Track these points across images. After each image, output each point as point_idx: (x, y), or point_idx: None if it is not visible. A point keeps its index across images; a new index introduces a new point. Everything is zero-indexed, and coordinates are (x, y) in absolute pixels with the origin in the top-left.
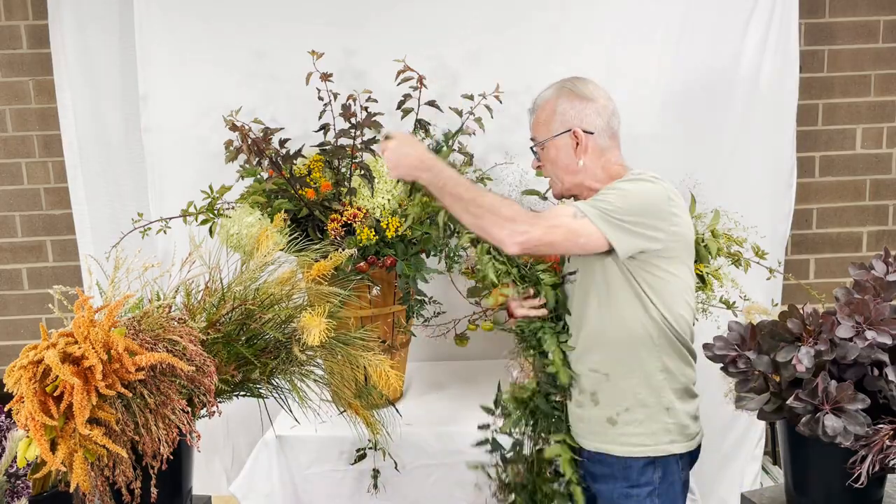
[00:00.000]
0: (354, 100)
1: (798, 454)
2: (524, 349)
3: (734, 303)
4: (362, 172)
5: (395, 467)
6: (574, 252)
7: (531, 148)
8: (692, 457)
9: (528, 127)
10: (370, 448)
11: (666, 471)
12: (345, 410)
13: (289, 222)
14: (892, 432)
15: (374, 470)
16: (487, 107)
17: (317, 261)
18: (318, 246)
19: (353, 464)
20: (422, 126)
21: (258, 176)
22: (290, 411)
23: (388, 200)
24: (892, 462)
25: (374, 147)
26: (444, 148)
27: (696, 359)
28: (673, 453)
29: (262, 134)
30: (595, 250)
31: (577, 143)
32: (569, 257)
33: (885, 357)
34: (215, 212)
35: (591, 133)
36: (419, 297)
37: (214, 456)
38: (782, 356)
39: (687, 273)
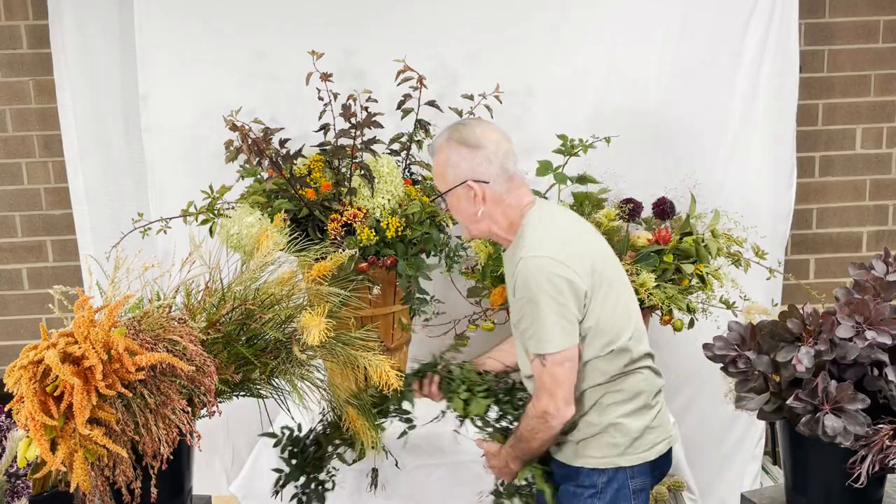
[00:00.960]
0: (354, 100)
1: (798, 454)
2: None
3: (734, 303)
4: (362, 172)
5: (396, 464)
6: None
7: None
8: (655, 464)
9: (527, 125)
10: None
11: (612, 478)
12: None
13: (289, 222)
14: (891, 432)
15: (372, 469)
16: (487, 107)
17: (317, 260)
18: (318, 246)
19: (350, 464)
20: (422, 126)
21: (258, 176)
22: (289, 412)
23: (388, 200)
24: (891, 462)
25: (373, 147)
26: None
27: (655, 369)
28: (621, 466)
29: (262, 134)
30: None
31: (475, 194)
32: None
33: (885, 357)
34: (215, 212)
35: (486, 182)
36: (421, 296)
37: (214, 456)
38: (782, 356)
39: (613, 298)
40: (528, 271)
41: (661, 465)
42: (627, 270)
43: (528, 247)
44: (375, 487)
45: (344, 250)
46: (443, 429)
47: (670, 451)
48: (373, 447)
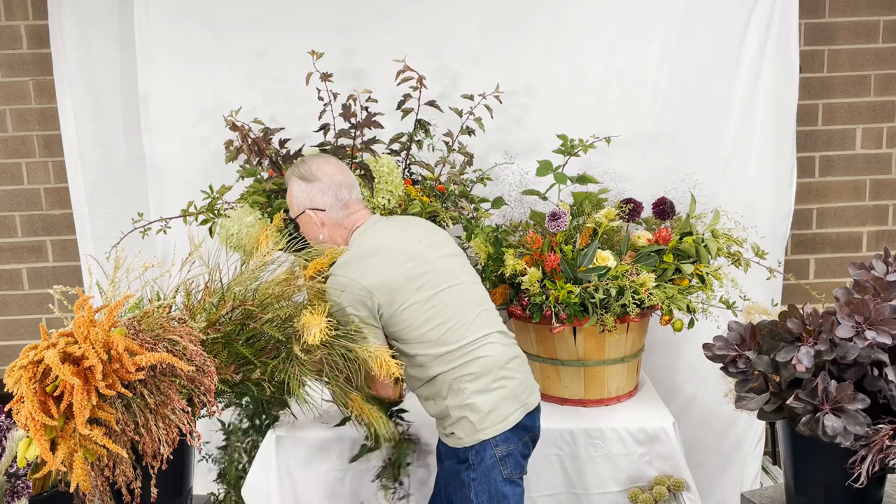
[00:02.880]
0: (354, 100)
1: (798, 454)
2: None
3: (734, 303)
4: (362, 172)
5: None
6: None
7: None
8: (517, 430)
9: (527, 125)
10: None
11: (479, 451)
12: (350, 415)
13: (288, 222)
14: (891, 432)
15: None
16: (487, 107)
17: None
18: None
19: (352, 461)
20: (422, 126)
21: (258, 176)
22: (290, 411)
23: (388, 200)
24: (891, 462)
25: (373, 147)
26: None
27: (502, 343)
28: (482, 439)
29: (262, 134)
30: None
31: (314, 220)
32: None
33: (884, 357)
34: (215, 212)
35: (323, 210)
36: None
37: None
38: (782, 356)
39: (414, 307)
40: (330, 287)
41: (525, 429)
42: (627, 271)
43: (336, 265)
44: (400, 484)
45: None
46: None
47: (532, 414)
48: (387, 438)
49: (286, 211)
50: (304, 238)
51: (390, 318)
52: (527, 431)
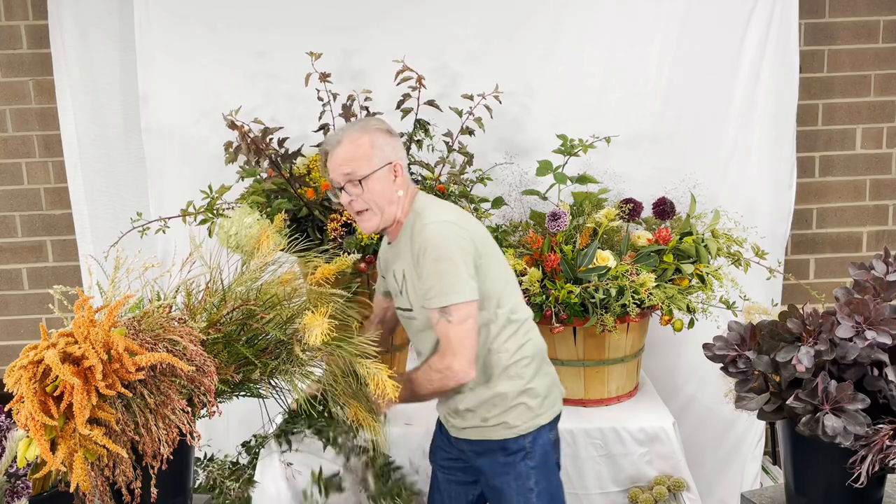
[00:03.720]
0: (354, 100)
1: (798, 454)
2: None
3: (734, 303)
4: None
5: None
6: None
7: (339, 187)
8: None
9: (527, 125)
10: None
11: (536, 437)
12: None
13: (288, 222)
14: (892, 432)
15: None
16: (487, 107)
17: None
18: (318, 246)
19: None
20: (421, 126)
21: (258, 176)
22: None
23: None
24: (892, 462)
25: None
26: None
27: (532, 321)
28: (541, 425)
29: (261, 133)
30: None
31: (396, 176)
32: (401, 292)
33: (884, 357)
34: (214, 212)
35: (402, 165)
36: None
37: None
38: (782, 356)
39: (495, 268)
40: (435, 234)
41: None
42: (627, 271)
43: (431, 216)
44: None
45: (344, 250)
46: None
47: None
48: (375, 437)
49: (322, 191)
50: (305, 239)
51: (479, 270)
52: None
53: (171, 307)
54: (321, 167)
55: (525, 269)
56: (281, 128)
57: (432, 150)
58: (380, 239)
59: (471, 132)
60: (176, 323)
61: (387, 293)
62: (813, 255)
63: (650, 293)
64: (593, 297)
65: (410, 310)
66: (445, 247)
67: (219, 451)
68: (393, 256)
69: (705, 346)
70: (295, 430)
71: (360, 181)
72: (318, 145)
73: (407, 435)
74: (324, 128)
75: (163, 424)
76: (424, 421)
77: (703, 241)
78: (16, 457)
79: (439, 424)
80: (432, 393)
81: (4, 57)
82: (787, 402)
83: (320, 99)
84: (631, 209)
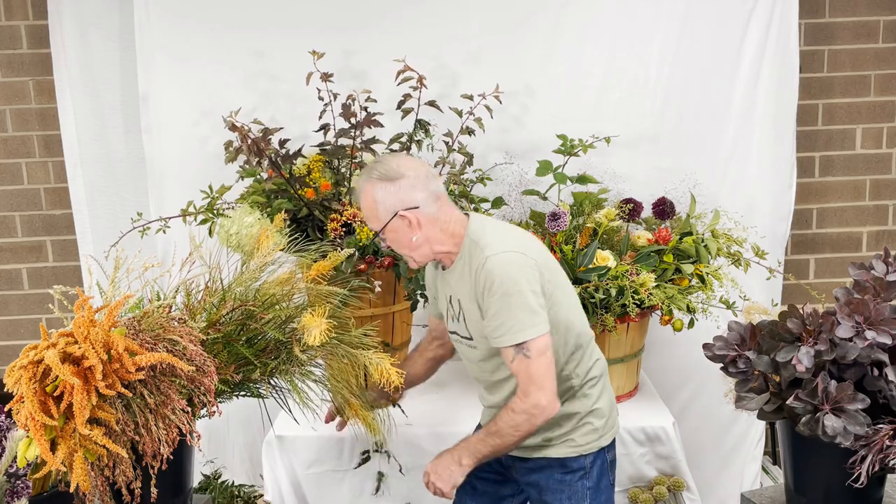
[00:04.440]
0: (354, 100)
1: (798, 454)
2: None
3: (734, 303)
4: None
5: (400, 470)
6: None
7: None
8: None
9: (527, 125)
10: (376, 451)
11: (596, 457)
12: (346, 416)
13: (288, 222)
14: (891, 432)
15: (378, 473)
16: (487, 107)
17: (316, 260)
18: (316, 246)
19: (356, 467)
20: (422, 126)
21: (258, 176)
22: (290, 412)
23: None
24: (891, 462)
25: (373, 147)
26: None
27: (592, 342)
28: (603, 445)
29: (261, 134)
30: None
31: (409, 222)
32: (458, 319)
33: (884, 357)
34: (215, 212)
35: (416, 207)
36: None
37: (214, 455)
38: (782, 356)
39: (562, 291)
40: (499, 267)
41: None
42: (627, 271)
43: (491, 247)
44: (378, 491)
45: (343, 250)
46: (443, 429)
47: None
48: (376, 437)
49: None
50: (305, 239)
51: (547, 298)
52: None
53: (170, 307)
54: None
55: None
56: (281, 128)
57: (432, 150)
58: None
59: (471, 132)
60: (176, 323)
61: (439, 314)
62: (813, 255)
63: (650, 293)
64: (593, 297)
65: (470, 339)
66: (512, 281)
67: (223, 466)
68: (443, 283)
69: (705, 346)
70: None
71: (377, 234)
72: (318, 145)
73: (407, 435)
74: (324, 128)
75: (163, 424)
76: (425, 421)
77: (703, 241)
78: (16, 457)
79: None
80: (521, 438)
81: (4, 57)
82: (787, 402)
83: (321, 98)
84: (631, 209)
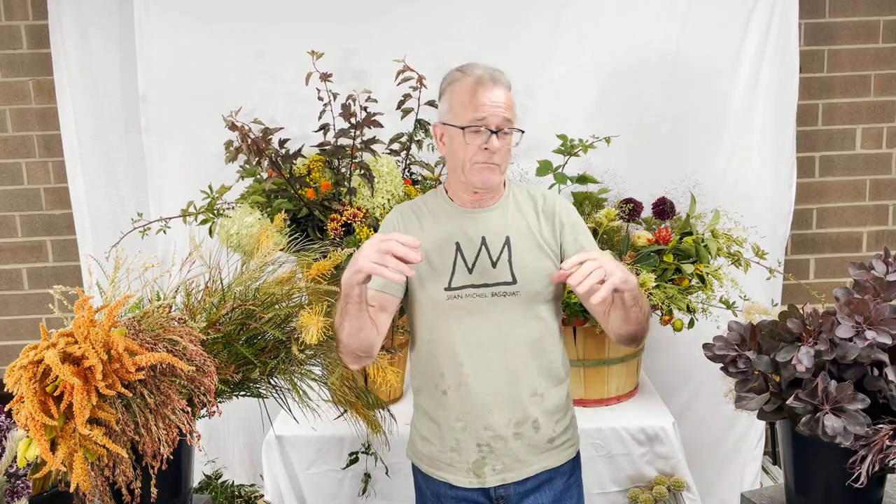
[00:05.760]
0: (354, 100)
1: (798, 454)
2: None
3: (734, 303)
4: (362, 172)
5: (386, 472)
6: None
7: (502, 129)
8: None
9: (527, 125)
10: (363, 452)
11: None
12: (345, 411)
13: (289, 222)
14: (892, 432)
15: (364, 474)
16: None
17: (316, 260)
18: (317, 245)
19: (344, 468)
20: (422, 126)
21: (258, 176)
22: (290, 411)
23: (388, 200)
24: (892, 462)
25: (373, 147)
26: None
27: None
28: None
29: (261, 134)
30: None
31: (516, 141)
32: (495, 260)
33: (885, 357)
34: (215, 212)
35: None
36: None
37: (215, 455)
38: (782, 356)
39: None
40: (564, 201)
41: None
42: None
43: (536, 186)
44: (365, 493)
45: (343, 250)
46: None
47: None
48: (374, 433)
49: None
50: (305, 239)
51: None
52: None
53: (170, 307)
54: (470, 87)
55: None
56: (281, 128)
57: (433, 150)
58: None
59: None
60: (176, 323)
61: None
62: (813, 255)
63: (650, 293)
64: None
65: (512, 282)
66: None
67: (223, 467)
68: (467, 225)
69: (705, 346)
70: None
71: (509, 133)
72: (318, 145)
73: (408, 435)
74: (324, 128)
75: (163, 424)
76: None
77: (703, 241)
78: (16, 457)
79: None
80: (644, 314)
81: (4, 57)
82: (787, 402)
83: (321, 98)
84: (631, 209)
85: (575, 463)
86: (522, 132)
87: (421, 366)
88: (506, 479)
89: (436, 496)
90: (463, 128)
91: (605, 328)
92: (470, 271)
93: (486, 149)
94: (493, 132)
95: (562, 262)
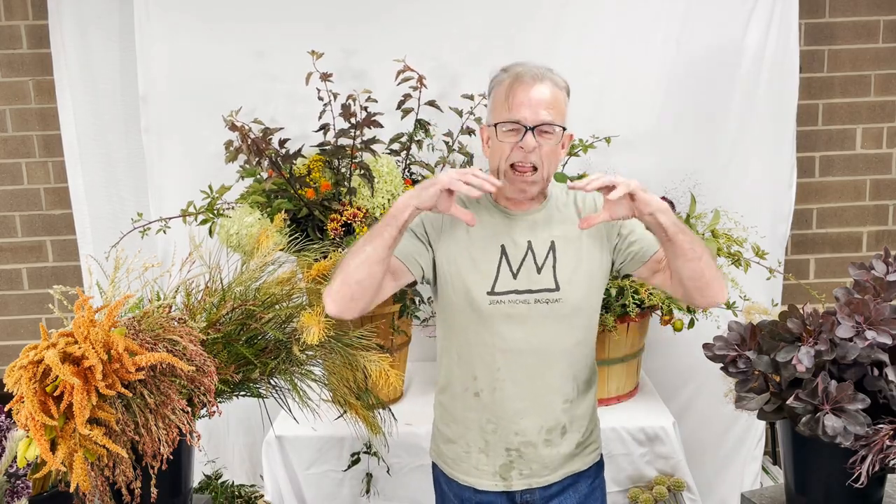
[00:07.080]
0: (354, 100)
1: (798, 454)
2: None
3: (734, 303)
4: (362, 172)
5: (388, 471)
6: None
7: (538, 127)
8: None
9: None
10: (364, 452)
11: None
12: (344, 412)
13: (289, 222)
14: (892, 432)
15: (367, 474)
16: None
17: (317, 260)
18: (317, 246)
19: (345, 470)
20: (422, 126)
21: (258, 176)
22: (290, 411)
23: (388, 200)
24: (892, 462)
25: (373, 147)
26: None
27: None
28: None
29: (261, 134)
30: None
31: (563, 144)
32: (540, 266)
33: (885, 357)
34: (215, 212)
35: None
36: (414, 297)
37: (215, 455)
38: (782, 356)
39: None
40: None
41: None
42: None
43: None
44: (368, 493)
45: (343, 250)
46: None
47: None
48: (375, 435)
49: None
50: (305, 239)
51: None
52: None
53: (170, 307)
54: (506, 89)
55: None
56: (281, 128)
57: (433, 150)
58: None
59: (471, 132)
60: (176, 323)
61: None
62: (813, 255)
63: (650, 293)
64: None
65: (555, 289)
66: None
67: (224, 467)
68: (513, 230)
69: (705, 346)
70: None
71: (553, 132)
72: (318, 145)
73: (407, 435)
74: (324, 128)
75: (163, 424)
76: (425, 421)
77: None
78: (16, 457)
79: None
80: (701, 246)
81: (4, 57)
82: (787, 402)
83: (321, 98)
84: None
85: (599, 466)
86: (564, 129)
87: (451, 366)
88: (532, 484)
89: (459, 499)
90: (495, 125)
91: (675, 290)
92: (514, 276)
93: (521, 148)
94: (527, 129)
95: (620, 256)
